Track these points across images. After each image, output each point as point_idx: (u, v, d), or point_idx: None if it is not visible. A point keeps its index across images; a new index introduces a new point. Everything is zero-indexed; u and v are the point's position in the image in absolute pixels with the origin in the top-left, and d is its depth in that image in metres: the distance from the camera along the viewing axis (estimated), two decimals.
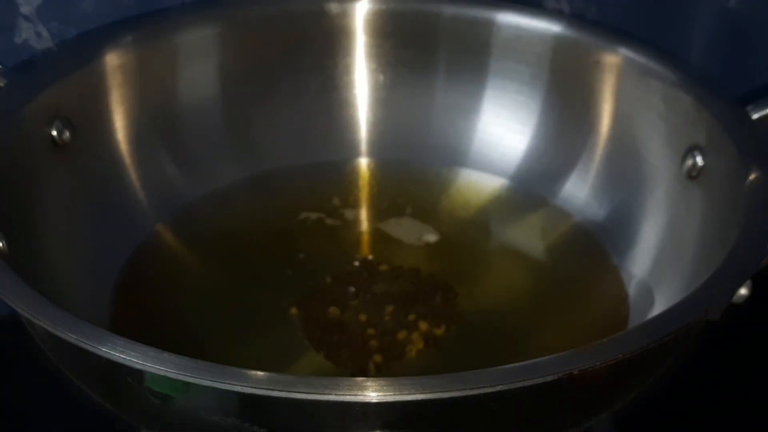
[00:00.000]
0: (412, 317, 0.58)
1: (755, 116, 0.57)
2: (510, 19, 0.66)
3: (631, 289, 0.60)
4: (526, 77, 0.67)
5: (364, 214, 0.66)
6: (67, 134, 0.58)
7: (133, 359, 0.40)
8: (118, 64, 0.62)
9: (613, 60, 0.63)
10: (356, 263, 0.62)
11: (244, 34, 0.67)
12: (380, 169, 0.70)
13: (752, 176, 0.53)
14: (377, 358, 0.55)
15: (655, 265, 0.59)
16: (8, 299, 0.44)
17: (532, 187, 0.67)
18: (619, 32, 0.65)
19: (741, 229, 0.50)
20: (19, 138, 0.55)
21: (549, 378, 0.40)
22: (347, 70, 0.69)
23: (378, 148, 0.71)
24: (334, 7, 0.67)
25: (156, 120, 0.64)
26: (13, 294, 0.44)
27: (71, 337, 0.41)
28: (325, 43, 0.68)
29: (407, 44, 0.68)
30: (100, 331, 0.41)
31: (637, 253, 0.61)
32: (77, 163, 0.59)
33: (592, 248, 0.63)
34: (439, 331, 0.57)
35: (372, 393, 0.39)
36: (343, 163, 0.70)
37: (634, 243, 0.61)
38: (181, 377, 0.39)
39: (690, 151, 0.59)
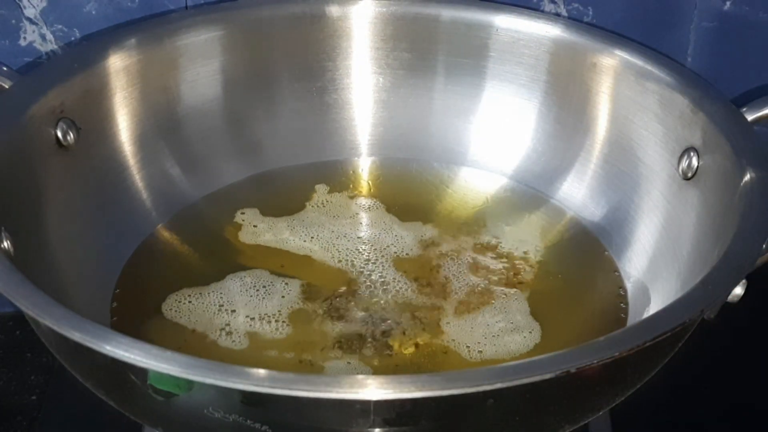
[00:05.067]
0: (410, 314, 0.58)
1: (750, 118, 0.57)
2: (508, 22, 0.66)
3: (628, 288, 0.60)
4: (524, 79, 0.67)
5: (364, 214, 0.66)
6: (71, 135, 0.59)
7: (136, 357, 0.40)
8: (122, 67, 0.62)
9: (609, 62, 0.64)
10: (356, 262, 0.62)
11: (246, 37, 0.67)
12: (380, 169, 0.70)
13: (747, 177, 0.53)
14: (372, 352, 0.56)
15: (652, 265, 0.60)
16: (14, 299, 0.44)
17: (530, 187, 0.68)
18: (615, 35, 0.65)
19: (736, 229, 0.50)
20: (24, 139, 0.56)
21: (546, 376, 0.40)
22: (347, 72, 0.69)
23: (378, 149, 0.71)
24: (334, 10, 0.68)
25: (159, 121, 0.65)
26: (18, 294, 0.44)
27: (76, 336, 0.42)
28: (326, 45, 0.69)
29: (407, 47, 0.69)
30: (104, 329, 0.42)
31: (633, 252, 0.61)
32: (81, 164, 0.60)
33: (590, 248, 0.63)
34: (438, 328, 0.57)
35: (372, 390, 0.39)
36: (344, 163, 0.70)
37: (630, 242, 0.62)
38: (184, 375, 0.40)
39: (686, 152, 0.59)
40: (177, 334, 0.56)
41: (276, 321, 0.57)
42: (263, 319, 0.57)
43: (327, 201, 0.67)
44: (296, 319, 0.58)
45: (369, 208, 0.67)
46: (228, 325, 0.57)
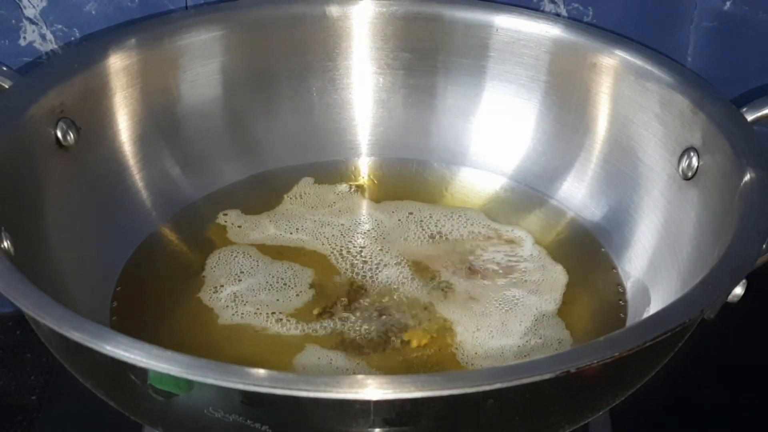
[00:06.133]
0: (410, 314, 0.58)
1: (750, 118, 0.57)
2: (508, 22, 0.66)
3: (628, 288, 0.60)
4: (524, 79, 0.67)
5: (364, 213, 0.66)
6: (71, 135, 0.59)
7: (136, 357, 0.41)
8: (122, 67, 0.62)
9: (609, 62, 0.64)
10: (357, 261, 0.62)
11: (246, 37, 0.67)
12: (380, 168, 0.70)
13: (747, 177, 0.53)
14: (372, 354, 0.56)
15: (652, 265, 0.60)
16: (14, 299, 0.44)
17: (530, 187, 0.68)
18: (615, 35, 0.65)
19: (736, 229, 0.50)
20: (24, 139, 0.56)
21: (546, 376, 0.40)
22: (348, 72, 0.70)
23: (378, 149, 0.71)
24: (334, 10, 0.68)
25: (159, 121, 0.65)
26: (18, 294, 0.44)
27: (76, 336, 0.42)
28: (326, 45, 0.69)
29: (407, 47, 0.69)
30: (105, 329, 0.42)
31: (633, 252, 0.61)
32: (81, 164, 0.60)
33: (590, 247, 0.63)
34: (437, 327, 0.57)
35: (372, 391, 0.39)
36: (344, 163, 0.70)
37: (630, 242, 0.62)
38: (184, 375, 0.40)
39: (686, 152, 0.59)
40: (178, 335, 0.56)
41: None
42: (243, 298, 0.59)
43: (327, 200, 0.67)
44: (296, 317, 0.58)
45: (368, 207, 0.67)
46: (222, 286, 0.59)
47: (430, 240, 0.64)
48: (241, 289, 0.59)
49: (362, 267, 0.62)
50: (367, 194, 0.68)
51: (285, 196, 0.67)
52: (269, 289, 0.59)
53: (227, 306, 0.58)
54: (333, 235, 0.64)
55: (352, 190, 0.68)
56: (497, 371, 0.41)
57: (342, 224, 0.65)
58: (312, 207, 0.66)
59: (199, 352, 0.50)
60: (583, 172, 0.66)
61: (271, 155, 0.69)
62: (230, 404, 0.42)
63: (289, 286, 0.60)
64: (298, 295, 0.59)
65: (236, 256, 0.62)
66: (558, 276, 0.61)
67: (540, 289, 0.60)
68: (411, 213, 0.65)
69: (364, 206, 0.67)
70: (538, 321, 0.58)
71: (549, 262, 0.62)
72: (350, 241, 0.63)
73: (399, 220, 0.65)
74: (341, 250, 0.63)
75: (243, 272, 0.61)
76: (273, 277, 0.60)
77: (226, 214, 0.65)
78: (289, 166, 0.69)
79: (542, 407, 0.44)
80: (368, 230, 0.65)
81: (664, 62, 0.62)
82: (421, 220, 0.65)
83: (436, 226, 0.65)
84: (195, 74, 0.66)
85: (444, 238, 0.64)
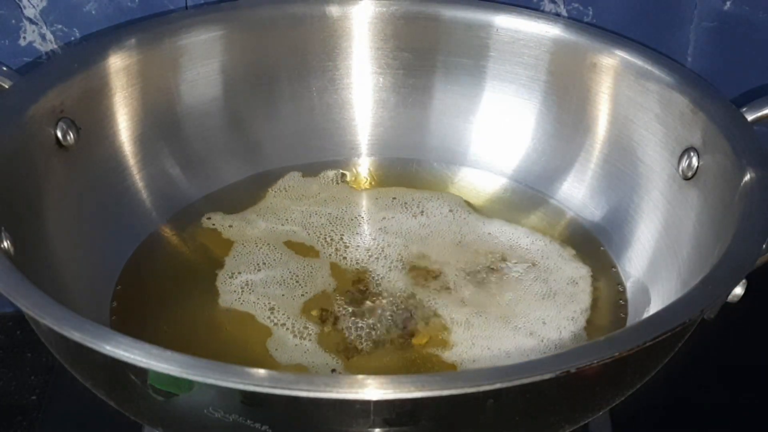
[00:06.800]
0: (410, 314, 0.58)
1: (750, 118, 0.57)
2: (508, 22, 0.66)
3: (628, 288, 0.60)
4: (524, 79, 0.67)
5: (364, 213, 0.66)
6: (71, 135, 0.59)
7: (136, 357, 0.41)
8: (122, 66, 0.62)
9: (609, 62, 0.64)
10: (357, 261, 0.62)
11: (246, 37, 0.67)
12: (380, 169, 0.70)
13: (747, 177, 0.53)
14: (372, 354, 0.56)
15: (652, 265, 0.60)
16: (14, 299, 0.44)
17: (530, 187, 0.68)
18: (615, 35, 0.65)
19: (736, 229, 0.50)
20: (24, 139, 0.56)
21: (546, 376, 0.40)
22: (348, 72, 0.70)
23: (378, 149, 0.71)
24: (334, 10, 0.68)
25: (159, 121, 0.65)
26: (18, 294, 0.44)
27: (76, 336, 0.42)
28: (326, 45, 0.69)
29: (407, 47, 0.69)
30: (105, 329, 0.42)
31: (633, 252, 0.61)
32: (81, 164, 0.60)
33: (589, 247, 0.63)
34: (436, 327, 0.57)
35: (372, 391, 0.39)
36: (344, 163, 0.70)
37: (630, 242, 0.62)
38: (184, 375, 0.40)
39: (686, 152, 0.59)
40: (178, 334, 0.56)
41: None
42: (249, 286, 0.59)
43: (327, 200, 0.67)
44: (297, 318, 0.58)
45: (368, 207, 0.67)
46: (239, 273, 0.60)
47: (421, 228, 0.64)
48: (254, 279, 0.60)
49: (361, 262, 0.62)
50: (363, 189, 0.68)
51: (269, 189, 0.67)
52: (280, 284, 0.60)
53: (233, 291, 0.59)
54: (322, 224, 0.65)
55: (338, 180, 0.68)
56: (497, 371, 0.41)
57: (329, 213, 0.66)
58: (297, 199, 0.66)
59: (191, 331, 0.52)
60: (583, 172, 0.66)
61: (271, 155, 0.69)
62: (230, 404, 0.42)
63: (300, 284, 0.60)
64: (303, 294, 0.59)
65: (261, 248, 0.62)
66: (568, 270, 0.61)
67: (537, 282, 0.60)
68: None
69: (353, 196, 0.67)
70: (537, 313, 0.58)
71: (554, 253, 0.62)
72: (343, 232, 0.64)
73: (386, 204, 0.66)
74: (329, 239, 0.63)
75: (265, 263, 0.61)
76: (289, 272, 0.61)
77: (209, 218, 0.65)
78: (288, 166, 0.69)
79: (542, 407, 0.44)
80: (359, 219, 0.65)
81: (664, 62, 0.62)
82: (405, 203, 0.66)
83: (419, 207, 0.65)
84: (195, 74, 0.66)
85: (431, 218, 0.64)
